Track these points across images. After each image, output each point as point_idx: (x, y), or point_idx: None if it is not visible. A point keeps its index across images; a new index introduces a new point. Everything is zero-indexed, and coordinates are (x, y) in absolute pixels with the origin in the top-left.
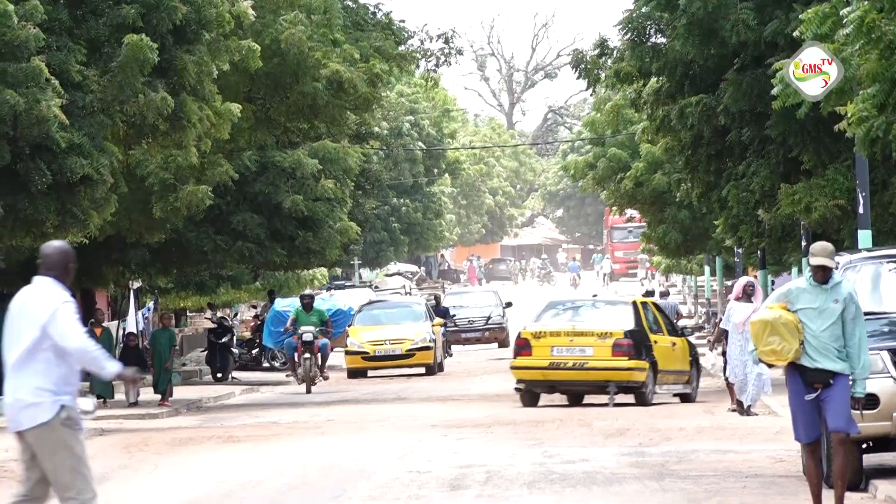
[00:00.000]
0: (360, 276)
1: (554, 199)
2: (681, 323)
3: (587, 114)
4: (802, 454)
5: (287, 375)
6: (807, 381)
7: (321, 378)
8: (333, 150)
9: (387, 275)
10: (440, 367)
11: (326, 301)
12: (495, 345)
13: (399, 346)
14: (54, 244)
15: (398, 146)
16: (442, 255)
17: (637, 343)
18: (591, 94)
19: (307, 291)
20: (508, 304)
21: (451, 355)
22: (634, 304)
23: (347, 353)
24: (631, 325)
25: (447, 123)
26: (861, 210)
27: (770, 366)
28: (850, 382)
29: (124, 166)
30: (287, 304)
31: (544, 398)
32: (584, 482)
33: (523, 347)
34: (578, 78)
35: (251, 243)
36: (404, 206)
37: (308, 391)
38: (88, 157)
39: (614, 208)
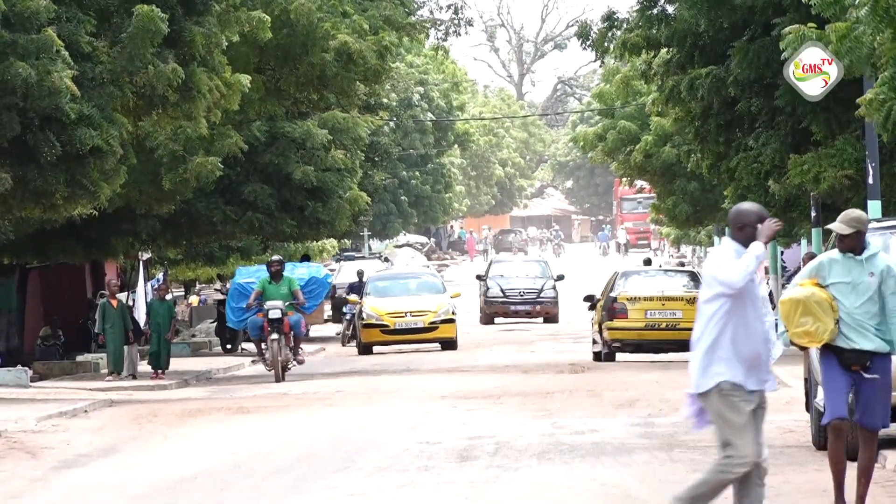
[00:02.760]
0: (370, 248)
1: (563, 170)
2: None
3: (597, 84)
4: (828, 435)
5: (253, 361)
6: (843, 364)
7: (294, 362)
8: (343, 120)
9: (396, 246)
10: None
11: (299, 267)
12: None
13: (421, 319)
14: (739, 204)
15: (408, 117)
16: (452, 227)
17: None
18: (600, 66)
19: (276, 257)
20: (560, 277)
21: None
22: (694, 272)
23: (365, 325)
24: None
25: (457, 96)
26: (870, 180)
27: (802, 348)
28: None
29: (134, 137)
30: (252, 275)
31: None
32: (593, 453)
33: (620, 311)
34: (585, 49)
35: (261, 214)
36: (413, 179)
37: (278, 379)
38: (98, 128)
39: (624, 179)
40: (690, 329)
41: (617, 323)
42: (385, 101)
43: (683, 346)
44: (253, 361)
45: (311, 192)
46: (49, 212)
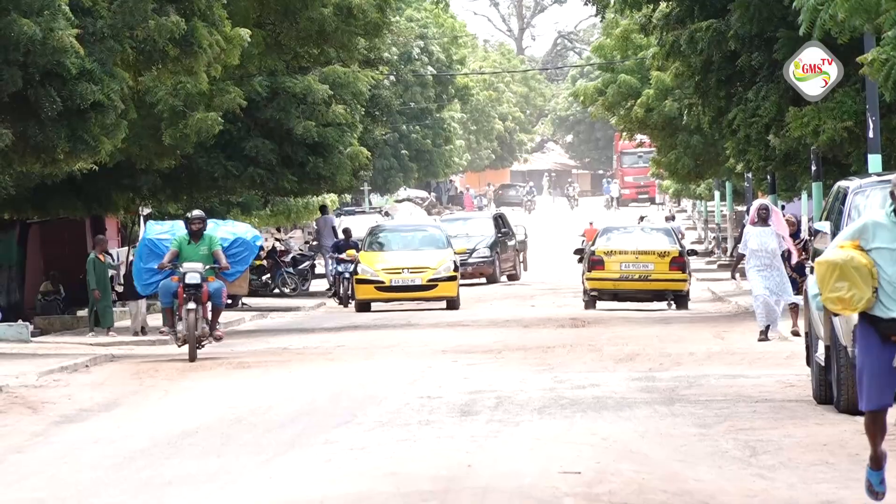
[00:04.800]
0: (371, 202)
1: (564, 125)
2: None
3: (597, 39)
4: (866, 419)
5: (161, 332)
6: (881, 334)
7: (210, 339)
8: (344, 75)
9: (397, 200)
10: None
11: (221, 226)
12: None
13: (419, 276)
14: None
15: (408, 71)
16: (452, 181)
17: (685, 260)
18: (601, 20)
19: (197, 212)
20: (505, 234)
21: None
22: (671, 229)
23: (359, 281)
24: (678, 246)
25: (456, 50)
26: (871, 134)
27: (835, 314)
28: None
29: (134, 93)
30: (166, 230)
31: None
32: (594, 407)
33: (597, 263)
34: (586, 4)
35: (262, 169)
36: (413, 133)
37: (193, 357)
38: (99, 83)
39: (624, 133)
40: (661, 280)
41: (595, 274)
42: (385, 55)
43: (656, 295)
44: (161, 332)
45: (312, 148)
46: (49, 167)
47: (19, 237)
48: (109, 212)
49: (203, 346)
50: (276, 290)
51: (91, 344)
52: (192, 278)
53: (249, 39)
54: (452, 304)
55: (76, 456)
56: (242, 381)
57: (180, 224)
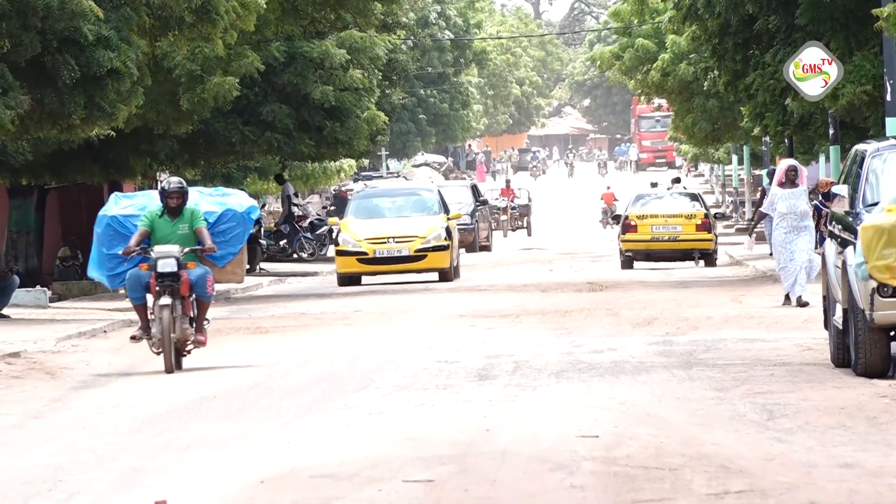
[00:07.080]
0: (388, 167)
1: (581, 89)
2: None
3: (614, 2)
4: None
5: (132, 338)
6: None
7: (194, 342)
8: (360, 40)
9: (414, 165)
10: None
11: (208, 196)
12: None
13: (406, 246)
14: None
15: (425, 36)
16: (470, 146)
17: (710, 221)
18: None
19: (175, 181)
20: (483, 202)
21: None
22: (697, 194)
23: (339, 253)
24: (704, 209)
25: (473, 14)
26: (889, 97)
27: (882, 285)
28: None
29: (151, 58)
30: (138, 204)
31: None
32: (611, 371)
33: (631, 227)
34: None
35: (279, 134)
36: (431, 98)
37: (170, 368)
38: (115, 50)
39: (642, 97)
40: (689, 241)
41: (629, 236)
42: (403, 19)
43: (684, 254)
44: (132, 338)
45: (329, 112)
46: (66, 133)
47: (37, 203)
48: (127, 177)
49: (189, 352)
50: (294, 255)
51: (109, 309)
52: (166, 265)
53: (265, 5)
54: (445, 275)
55: (94, 421)
56: (260, 346)
57: (155, 195)
